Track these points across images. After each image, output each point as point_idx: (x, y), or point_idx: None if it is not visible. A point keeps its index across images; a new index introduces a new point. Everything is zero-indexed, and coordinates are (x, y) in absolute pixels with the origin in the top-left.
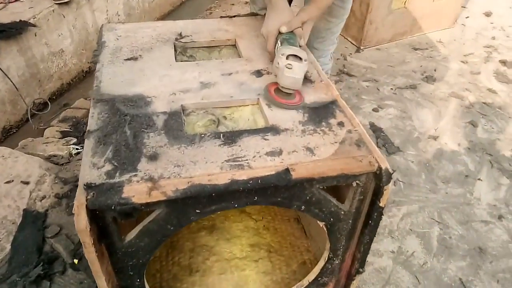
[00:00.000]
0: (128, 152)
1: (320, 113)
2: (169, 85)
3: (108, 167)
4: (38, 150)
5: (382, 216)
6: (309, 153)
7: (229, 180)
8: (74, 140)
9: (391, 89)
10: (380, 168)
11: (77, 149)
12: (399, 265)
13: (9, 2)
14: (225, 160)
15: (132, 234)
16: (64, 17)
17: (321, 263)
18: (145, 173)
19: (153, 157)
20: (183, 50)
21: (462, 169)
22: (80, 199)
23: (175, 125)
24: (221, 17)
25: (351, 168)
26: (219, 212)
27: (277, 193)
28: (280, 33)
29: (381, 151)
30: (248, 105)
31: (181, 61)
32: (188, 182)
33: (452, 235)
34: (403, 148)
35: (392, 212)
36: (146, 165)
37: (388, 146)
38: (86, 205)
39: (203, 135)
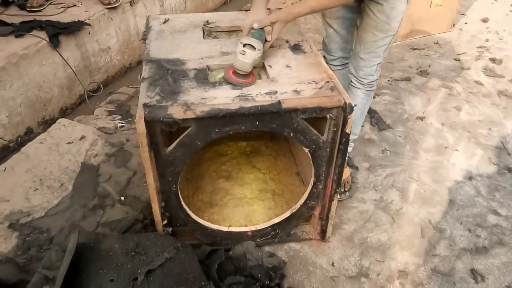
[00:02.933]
0: (170, 90)
1: (308, 72)
2: (198, 53)
3: (157, 97)
4: (90, 123)
5: (349, 142)
6: (296, 94)
7: (239, 106)
8: (119, 117)
9: (388, 81)
10: (345, 103)
11: (121, 123)
12: (379, 209)
13: (68, 7)
14: (236, 96)
15: (171, 146)
16: (112, 19)
17: (308, 188)
18: (181, 102)
19: (187, 93)
20: (209, 33)
21: (443, 142)
22: (140, 113)
23: (202, 76)
24: (240, 10)
25: (324, 102)
26: (235, 164)
27: (273, 120)
28: (253, 28)
29: (373, 128)
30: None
31: (207, 39)
32: (210, 107)
33: (427, 190)
34: (393, 126)
35: (378, 172)
36: (182, 97)
37: (380, 124)
38: (144, 117)
39: (221, 82)
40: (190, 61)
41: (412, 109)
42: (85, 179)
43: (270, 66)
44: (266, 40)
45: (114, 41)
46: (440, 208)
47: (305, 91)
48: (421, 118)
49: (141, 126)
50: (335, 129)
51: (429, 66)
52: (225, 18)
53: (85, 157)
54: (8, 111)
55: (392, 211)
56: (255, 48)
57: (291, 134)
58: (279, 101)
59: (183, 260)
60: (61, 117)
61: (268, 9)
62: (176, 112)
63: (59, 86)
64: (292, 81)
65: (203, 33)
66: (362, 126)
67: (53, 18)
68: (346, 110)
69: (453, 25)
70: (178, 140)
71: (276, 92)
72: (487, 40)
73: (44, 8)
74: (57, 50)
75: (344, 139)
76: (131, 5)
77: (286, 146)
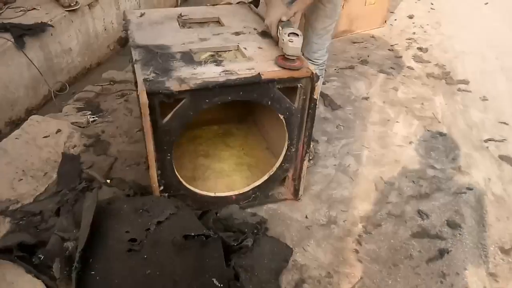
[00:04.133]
0: (163, 68)
1: (278, 51)
2: (179, 40)
3: (153, 74)
4: (62, 119)
5: (316, 107)
6: (272, 68)
7: (226, 79)
8: (89, 112)
9: (335, 69)
10: (312, 73)
11: (93, 117)
12: (340, 172)
13: (28, 10)
14: (221, 71)
15: (167, 117)
16: (72, 22)
17: (283, 152)
18: (175, 77)
19: (178, 70)
20: (184, 24)
21: (385, 116)
22: (141, 87)
23: (188, 57)
24: (207, 5)
25: (296, 73)
26: (210, 145)
27: (253, 90)
28: (280, 21)
29: (327, 109)
30: (231, 50)
31: (184, 29)
32: (202, 80)
33: (376, 154)
34: (343, 106)
35: (335, 144)
36: (175, 74)
37: (332, 105)
38: (145, 89)
39: (206, 61)
40: (174, 46)
41: (358, 91)
42: (68, 167)
43: (245, 48)
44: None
45: (75, 42)
46: (388, 167)
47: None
48: (366, 98)
49: (143, 98)
50: (304, 97)
51: (368, 56)
52: (196, 12)
53: (64, 148)
54: None
55: (350, 172)
56: (298, 35)
57: (269, 102)
58: (259, 73)
59: (183, 215)
60: (27, 118)
61: None
62: (173, 85)
63: (25, 87)
64: (266, 59)
65: (179, 24)
66: (317, 107)
67: (14, 21)
68: (313, 79)
69: (385, 22)
70: (173, 111)
71: (254, 67)
72: (414, 33)
73: (2, 12)
74: (22, 51)
75: (312, 104)
76: (89, 8)
77: (254, 127)
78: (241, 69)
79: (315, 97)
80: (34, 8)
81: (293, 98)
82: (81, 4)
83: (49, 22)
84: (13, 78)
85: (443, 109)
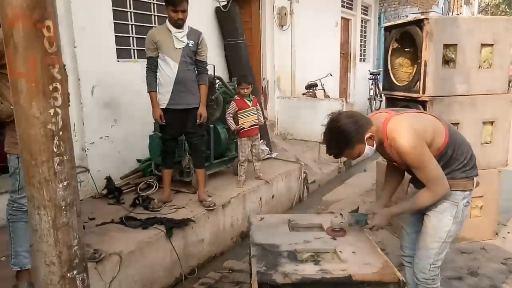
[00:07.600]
0: (272, 264)
1: (370, 257)
2: (287, 241)
3: (264, 268)
4: None
5: None
6: (362, 270)
7: (321, 277)
8: None
9: (442, 278)
10: (399, 279)
11: None
12: None
13: (179, 208)
14: (318, 270)
15: None
16: (208, 218)
17: None
18: (281, 271)
19: (284, 266)
20: (293, 228)
21: None
22: (255, 278)
23: (292, 256)
24: (314, 214)
25: (384, 278)
26: None
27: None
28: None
29: None
30: (329, 252)
31: (292, 232)
32: (301, 276)
33: None
34: None
35: None
36: (281, 268)
37: None
38: (257, 280)
39: (307, 260)
40: (282, 245)
41: None
42: None
43: (341, 251)
44: (367, 222)
45: (207, 234)
46: None
47: (368, 269)
48: None
49: (255, 287)
50: None
51: (478, 268)
52: (303, 218)
53: None
54: (127, 287)
55: None
56: (342, 217)
57: None
58: (350, 275)
59: None
60: None
61: None
62: (278, 278)
63: (164, 269)
64: (358, 263)
65: (289, 228)
66: None
67: (168, 216)
68: (400, 284)
69: (496, 234)
70: None
71: (347, 269)
72: None
73: (161, 209)
74: (170, 240)
75: None
76: (223, 208)
77: None
78: (335, 270)
79: None
80: (184, 207)
81: None
82: (217, 204)
83: (192, 218)
84: (158, 261)
85: None
